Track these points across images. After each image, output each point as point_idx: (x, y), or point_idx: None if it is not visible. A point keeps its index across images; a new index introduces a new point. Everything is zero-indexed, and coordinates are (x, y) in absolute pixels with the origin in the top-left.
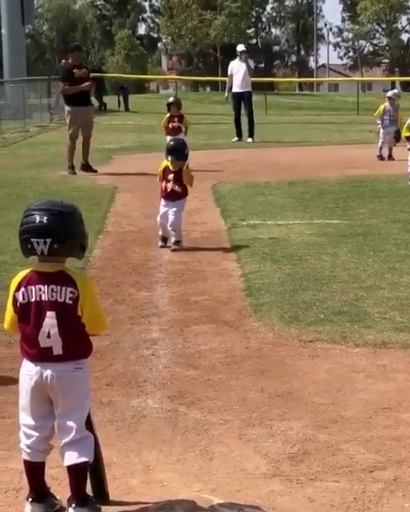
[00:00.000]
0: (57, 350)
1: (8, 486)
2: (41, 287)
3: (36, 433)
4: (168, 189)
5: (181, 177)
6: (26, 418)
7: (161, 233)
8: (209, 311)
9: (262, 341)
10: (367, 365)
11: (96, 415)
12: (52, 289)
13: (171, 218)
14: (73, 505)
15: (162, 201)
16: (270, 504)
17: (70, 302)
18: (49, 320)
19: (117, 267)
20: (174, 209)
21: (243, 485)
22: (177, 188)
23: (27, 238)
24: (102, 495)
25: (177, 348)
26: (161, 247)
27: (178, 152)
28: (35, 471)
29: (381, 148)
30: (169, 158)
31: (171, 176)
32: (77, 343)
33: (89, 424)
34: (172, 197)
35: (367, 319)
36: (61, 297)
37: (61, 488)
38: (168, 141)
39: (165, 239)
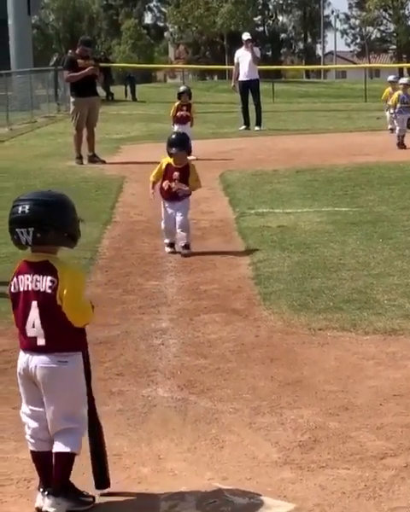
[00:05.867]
0: (41, 340)
1: (19, 477)
2: (28, 276)
3: (35, 422)
4: (173, 189)
5: (187, 175)
6: (24, 407)
7: (167, 240)
8: (218, 299)
9: (272, 330)
10: (377, 352)
11: (107, 404)
12: (36, 279)
13: (179, 218)
14: (47, 493)
15: (165, 203)
16: (281, 492)
17: (49, 291)
18: (34, 310)
19: (126, 257)
20: (181, 211)
21: (253, 473)
22: (182, 186)
23: (12, 228)
24: (103, 482)
25: (186, 337)
26: (170, 253)
27: (182, 143)
28: (42, 461)
29: (402, 136)
30: (173, 150)
31: (176, 174)
32: (60, 334)
33: (91, 413)
34: (178, 197)
35: (377, 306)
36: (42, 286)
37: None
38: (170, 134)
39: (172, 244)
